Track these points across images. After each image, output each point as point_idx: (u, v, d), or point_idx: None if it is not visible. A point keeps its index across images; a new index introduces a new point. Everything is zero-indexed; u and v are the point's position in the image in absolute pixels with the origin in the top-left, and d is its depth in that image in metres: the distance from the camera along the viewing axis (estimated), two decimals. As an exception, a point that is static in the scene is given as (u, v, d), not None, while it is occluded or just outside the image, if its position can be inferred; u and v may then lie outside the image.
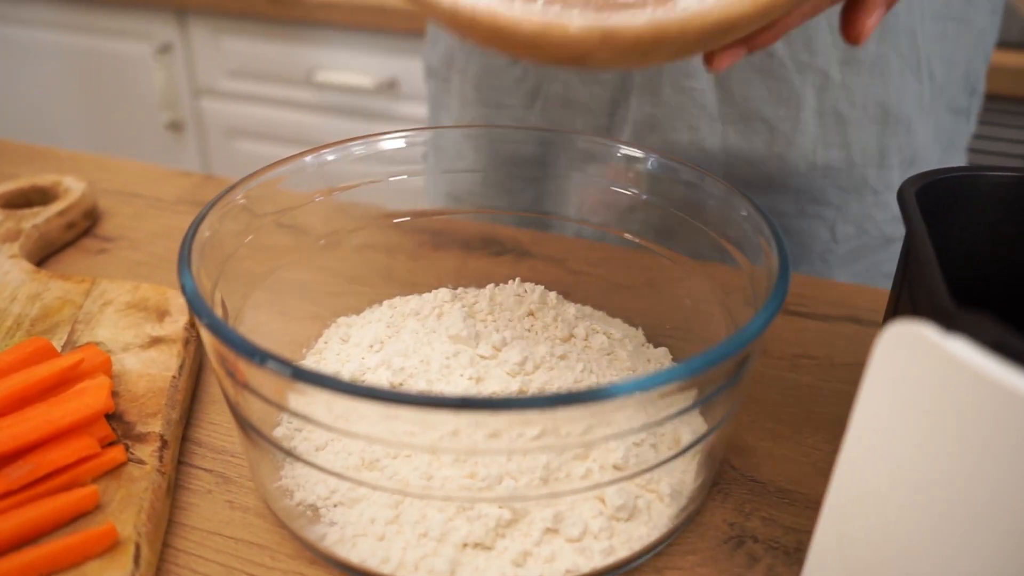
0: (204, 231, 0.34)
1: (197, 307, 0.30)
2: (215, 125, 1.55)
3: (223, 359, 0.31)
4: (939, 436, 0.21)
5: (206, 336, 0.31)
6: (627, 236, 0.45)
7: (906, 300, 0.32)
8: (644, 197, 0.42)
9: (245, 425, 0.33)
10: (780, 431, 0.40)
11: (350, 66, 1.39)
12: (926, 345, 0.21)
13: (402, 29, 1.31)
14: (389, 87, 1.37)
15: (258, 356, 0.28)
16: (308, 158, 0.42)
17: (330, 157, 0.43)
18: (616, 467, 0.32)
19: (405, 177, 0.44)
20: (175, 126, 1.57)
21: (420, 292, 0.47)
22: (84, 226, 0.56)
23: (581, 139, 0.44)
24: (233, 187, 0.37)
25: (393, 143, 0.44)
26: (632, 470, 0.32)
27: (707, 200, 0.39)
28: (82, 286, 0.45)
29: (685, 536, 0.34)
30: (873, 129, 0.57)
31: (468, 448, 0.30)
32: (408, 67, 1.36)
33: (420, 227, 0.49)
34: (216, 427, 0.39)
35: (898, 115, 0.57)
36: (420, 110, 1.38)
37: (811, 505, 0.36)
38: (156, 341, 0.41)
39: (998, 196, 0.36)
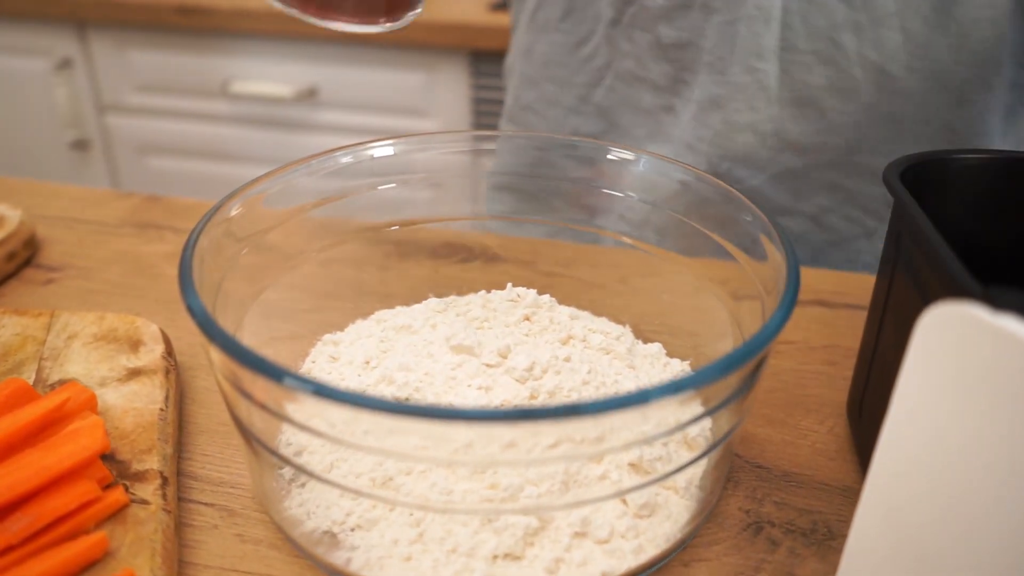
0: (199, 253, 0.33)
1: (208, 328, 0.29)
2: (124, 142, 1.49)
3: (237, 381, 0.30)
4: (990, 408, 0.22)
5: (219, 358, 0.29)
6: (603, 233, 0.45)
7: (903, 283, 0.33)
8: (632, 196, 0.42)
9: (261, 450, 0.31)
10: (774, 416, 0.41)
11: (267, 75, 1.35)
12: (975, 324, 0.22)
13: (321, 35, 1.28)
14: (309, 95, 1.35)
15: (278, 374, 0.27)
16: (279, 176, 0.41)
17: (301, 171, 0.42)
18: (632, 465, 0.33)
19: (393, 185, 0.44)
20: (80, 145, 1.50)
21: (394, 303, 0.47)
22: (25, 256, 0.53)
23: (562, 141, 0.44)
24: (217, 209, 0.36)
25: (380, 151, 0.43)
26: (656, 473, 0.32)
27: (697, 197, 0.39)
28: (40, 320, 0.43)
29: (706, 527, 0.34)
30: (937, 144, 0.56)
31: (486, 460, 0.30)
32: (328, 74, 1.33)
33: (383, 238, 0.49)
34: (209, 459, 0.38)
35: (968, 136, 0.56)
36: (343, 118, 1.35)
37: (818, 486, 0.37)
38: (135, 373, 0.39)
39: (969, 178, 0.38)
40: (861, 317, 0.50)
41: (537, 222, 0.51)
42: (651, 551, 0.32)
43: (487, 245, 0.56)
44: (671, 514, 0.33)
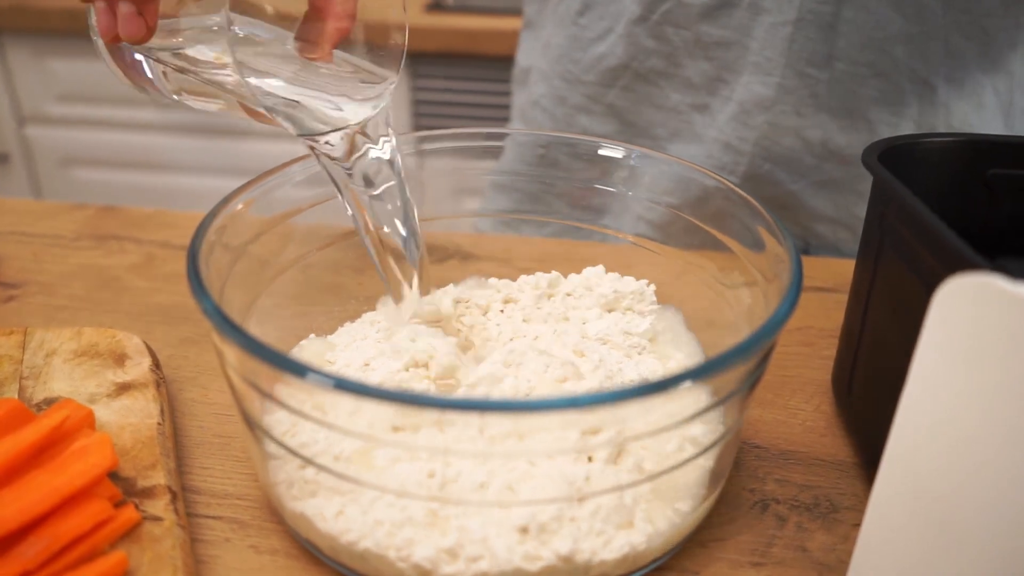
0: (203, 259, 0.32)
1: (222, 326, 0.28)
2: (46, 154, 1.42)
3: (255, 379, 0.29)
4: (1010, 375, 0.24)
5: (236, 355, 0.29)
6: (591, 228, 0.46)
7: (891, 263, 0.35)
8: (623, 191, 0.43)
9: (282, 452, 0.31)
10: (763, 397, 0.42)
11: (199, 81, 1.31)
12: (994, 294, 0.23)
13: (254, 40, 1.25)
14: (243, 101, 1.31)
15: (301, 370, 0.27)
16: (262, 184, 0.40)
17: (280, 178, 0.41)
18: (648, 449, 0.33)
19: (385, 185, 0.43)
20: (-1, 158, 1.43)
21: (377, 305, 0.46)
22: (-20, 274, 0.51)
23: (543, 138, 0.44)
24: (214, 217, 0.35)
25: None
26: (674, 459, 0.32)
27: (692, 191, 0.40)
28: (14, 338, 0.41)
29: (715, 508, 0.35)
30: None
31: (532, 449, 0.30)
32: (263, 79, 1.30)
33: (357, 241, 0.48)
34: (209, 471, 0.37)
35: None
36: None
37: (814, 462, 0.38)
38: (124, 388, 0.38)
39: (936, 160, 0.40)
40: (829, 299, 0.52)
41: (527, 219, 0.51)
42: (671, 533, 0.32)
43: (460, 244, 0.56)
44: (689, 496, 0.33)
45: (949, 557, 0.27)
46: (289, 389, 0.30)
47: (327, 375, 0.27)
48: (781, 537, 0.34)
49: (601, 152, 0.43)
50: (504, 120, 1.32)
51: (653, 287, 0.43)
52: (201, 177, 1.39)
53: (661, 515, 0.32)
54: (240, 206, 0.38)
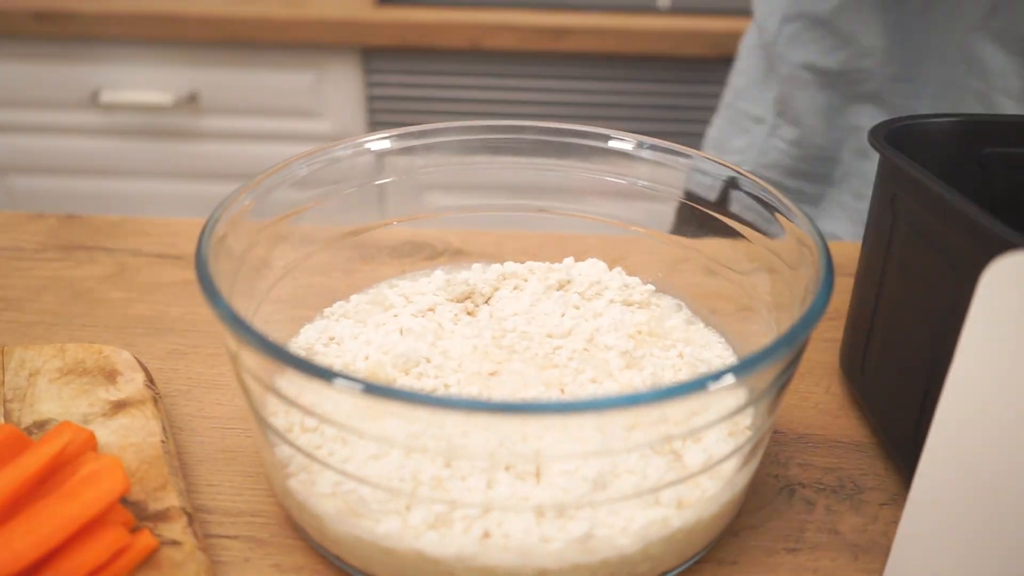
0: (211, 265, 0.31)
1: (239, 329, 0.27)
2: (-20, 163, 1.36)
3: (274, 383, 0.28)
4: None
5: (256, 361, 0.28)
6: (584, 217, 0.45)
7: (908, 243, 0.35)
8: (620, 181, 0.43)
9: (310, 462, 0.30)
10: (773, 382, 0.42)
11: (143, 83, 1.27)
12: (1048, 270, 0.23)
13: (201, 38, 1.21)
14: (190, 102, 1.27)
15: (328, 375, 0.26)
16: (255, 189, 0.38)
17: (273, 182, 0.40)
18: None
19: (353, 190, 0.43)
20: (-72, 169, 1.36)
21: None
22: (-59, 292, 0.47)
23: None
24: (215, 222, 0.33)
25: (340, 153, 0.42)
26: (720, 452, 0.32)
27: (697, 181, 0.40)
28: (-9, 359, 0.38)
29: (744, 496, 0.35)
30: None
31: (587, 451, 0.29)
32: (209, 78, 1.26)
33: (341, 244, 0.47)
34: (217, 488, 0.35)
35: None
36: (228, 123, 1.29)
37: (833, 444, 0.38)
38: (120, 406, 0.36)
39: (933, 140, 0.40)
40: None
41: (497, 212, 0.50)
42: (710, 522, 0.32)
43: (449, 241, 0.55)
44: (730, 487, 0.32)
45: (999, 537, 0.27)
46: (315, 393, 0.29)
47: (356, 380, 0.26)
48: (812, 521, 0.34)
49: (610, 144, 0.42)
50: (460, 114, 1.30)
51: (651, 286, 0.43)
52: (143, 181, 1.35)
53: (698, 508, 0.32)
54: (239, 209, 0.36)
